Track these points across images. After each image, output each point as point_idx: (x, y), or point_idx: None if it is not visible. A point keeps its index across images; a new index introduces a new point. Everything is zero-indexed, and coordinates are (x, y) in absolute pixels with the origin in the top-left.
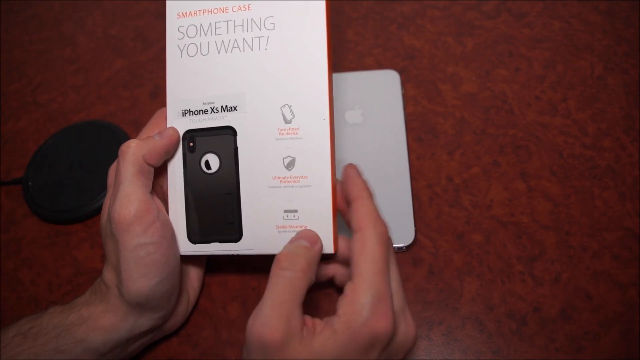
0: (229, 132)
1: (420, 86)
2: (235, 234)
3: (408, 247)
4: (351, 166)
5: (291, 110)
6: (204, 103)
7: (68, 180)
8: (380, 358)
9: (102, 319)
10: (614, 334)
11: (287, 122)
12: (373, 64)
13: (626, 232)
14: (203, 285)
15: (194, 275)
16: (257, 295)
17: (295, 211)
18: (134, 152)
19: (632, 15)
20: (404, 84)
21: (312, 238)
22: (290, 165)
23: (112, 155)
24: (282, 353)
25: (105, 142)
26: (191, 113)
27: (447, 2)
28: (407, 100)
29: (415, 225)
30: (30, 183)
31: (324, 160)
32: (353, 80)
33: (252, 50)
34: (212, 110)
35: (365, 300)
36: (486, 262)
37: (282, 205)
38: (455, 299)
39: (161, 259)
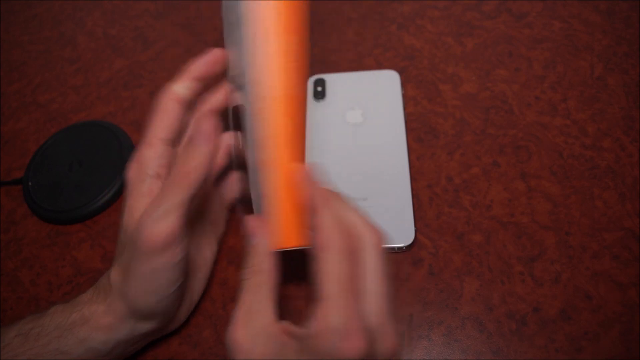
0: None
1: (420, 86)
2: None
3: (408, 247)
4: (297, 172)
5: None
6: None
7: (68, 180)
8: None
9: (104, 319)
10: (614, 334)
11: None
12: (373, 64)
13: (626, 232)
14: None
15: (201, 278)
16: None
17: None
18: (193, 178)
19: (632, 15)
20: (404, 84)
21: (252, 230)
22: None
23: (112, 155)
24: (249, 353)
25: (105, 142)
26: None
27: (447, 2)
28: (407, 100)
29: (415, 225)
30: (30, 183)
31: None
32: (353, 80)
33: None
34: None
35: (333, 324)
36: (486, 262)
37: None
38: (455, 299)
39: (173, 277)
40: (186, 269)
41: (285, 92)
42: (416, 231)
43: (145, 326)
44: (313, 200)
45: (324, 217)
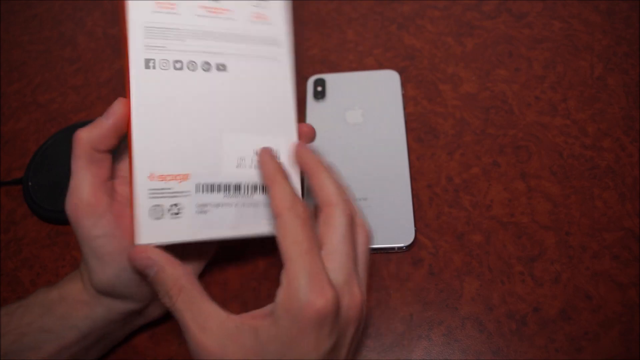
0: None
1: (420, 86)
2: None
3: (408, 247)
4: (264, 150)
5: None
6: None
7: (68, 180)
8: (333, 333)
9: (80, 295)
10: (614, 334)
11: None
12: (373, 64)
13: (626, 232)
14: (203, 286)
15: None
16: (256, 295)
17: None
18: (81, 143)
19: (632, 15)
20: (404, 84)
21: (143, 261)
22: None
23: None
24: (224, 355)
25: None
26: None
27: (447, 2)
28: (407, 100)
29: (415, 225)
30: (30, 183)
31: None
32: (353, 80)
33: None
34: None
35: (300, 283)
36: (486, 262)
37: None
38: (455, 299)
39: (116, 250)
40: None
41: None
42: (416, 231)
43: (121, 305)
44: (268, 175)
45: (278, 186)
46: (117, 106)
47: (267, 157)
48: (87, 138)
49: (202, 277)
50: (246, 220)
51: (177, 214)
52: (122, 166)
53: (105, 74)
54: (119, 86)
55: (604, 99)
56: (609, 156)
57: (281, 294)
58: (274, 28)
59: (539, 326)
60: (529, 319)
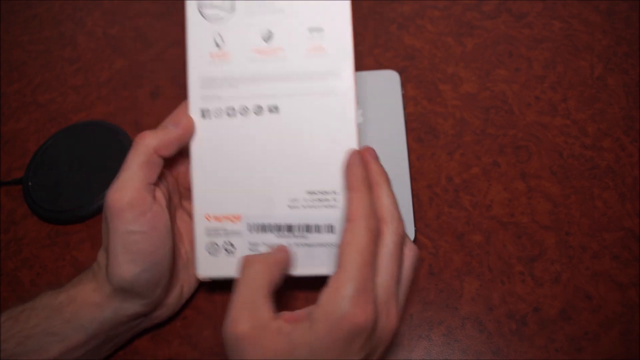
0: None
1: (420, 86)
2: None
3: None
4: (355, 154)
5: None
6: None
7: (68, 180)
8: (364, 350)
9: (90, 296)
10: (614, 334)
11: None
12: (373, 64)
13: (626, 232)
14: (203, 285)
15: (193, 271)
16: None
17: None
18: (145, 143)
19: (632, 15)
20: (404, 84)
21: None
22: None
23: (112, 155)
24: (255, 347)
25: (105, 142)
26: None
27: (447, 2)
28: (407, 100)
29: (415, 225)
30: (30, 183)
31: None
32: None
33: None
34: None
35: (347, 292)
36: (486, 262)
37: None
38: (455, 299)
39: (148, 248)
40: (165, 247)
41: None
42: (416, 231)
43: (130, 307)
44: (353, 180)
45: (361, 195)
46: (183, 117)
47: (355, 164)
48: (152, 141)
49: None
50: (300, 260)
51: (231, 251)
52: (168, 177)
53: (105, 74)
54: (119, 86)
55: (604, 99)
56: (609, 156)
57: (325, 296)
58: (331, 60)
59: (539, 326)
60: (529, 319)
